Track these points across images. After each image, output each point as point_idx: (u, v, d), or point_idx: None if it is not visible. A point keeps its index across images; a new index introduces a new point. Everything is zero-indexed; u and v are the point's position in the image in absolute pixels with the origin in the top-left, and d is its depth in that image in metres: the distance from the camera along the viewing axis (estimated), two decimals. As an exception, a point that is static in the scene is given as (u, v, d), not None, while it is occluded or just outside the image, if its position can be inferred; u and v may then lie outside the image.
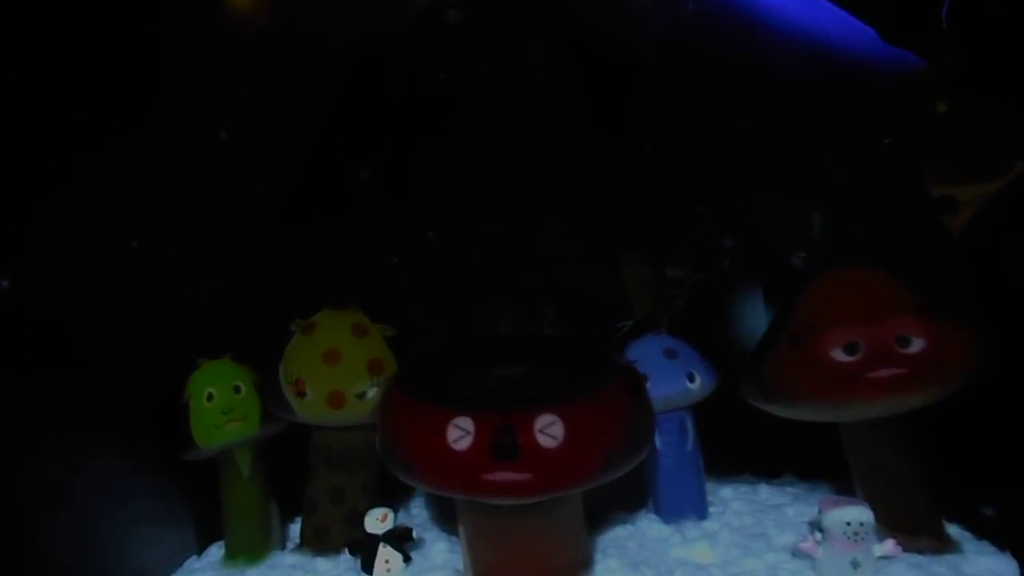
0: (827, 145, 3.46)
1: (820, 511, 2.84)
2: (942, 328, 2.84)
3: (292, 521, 3.56)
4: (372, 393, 3.16)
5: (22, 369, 3.11)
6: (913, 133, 3.34)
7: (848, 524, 2.72)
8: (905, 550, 2.80)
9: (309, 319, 3.34)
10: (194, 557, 3.41)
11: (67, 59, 3.24)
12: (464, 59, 3.99)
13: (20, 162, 3.14)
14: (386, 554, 3.08)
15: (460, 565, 3.05)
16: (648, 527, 3.33)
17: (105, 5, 3.27)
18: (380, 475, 3.27)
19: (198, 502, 3.42)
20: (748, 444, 3.73)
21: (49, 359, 3.22)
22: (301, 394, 3.17)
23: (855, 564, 2.72)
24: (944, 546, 2.95)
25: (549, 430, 2.58)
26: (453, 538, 3.27)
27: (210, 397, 3.26)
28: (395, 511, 3.19)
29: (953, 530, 3.05)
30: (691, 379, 3.31)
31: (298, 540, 3.43)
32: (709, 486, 3.51)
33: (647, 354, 3.30)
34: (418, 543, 3.29)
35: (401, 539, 3.13)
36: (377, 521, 3.09)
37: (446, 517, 3.46)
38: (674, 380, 3.29)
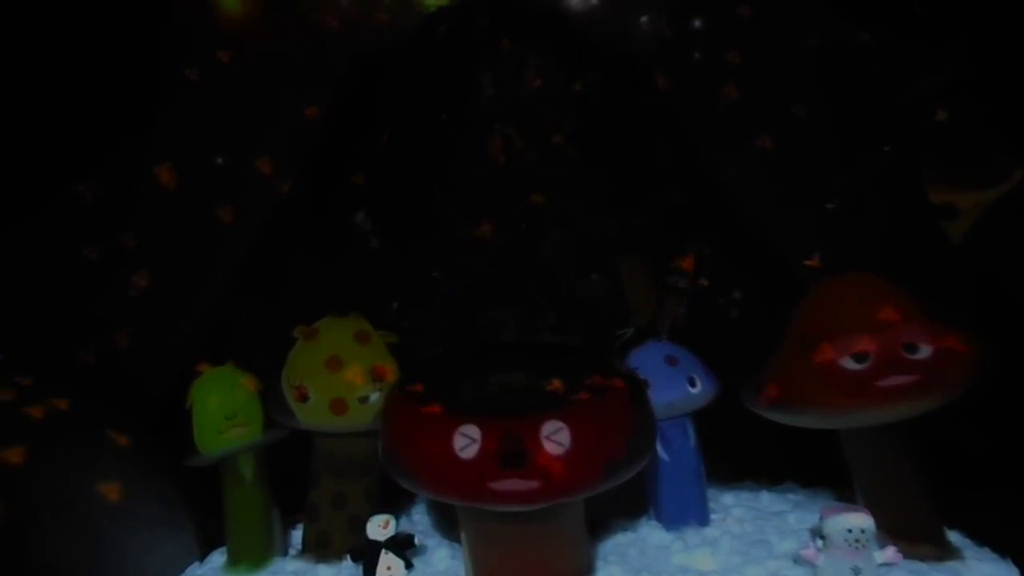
0: (829, 152, 3.47)
1: (821, 518, 2.85)
2: (946, 334, 2.85)
3: (294, 527, 3.56)
4: (374, 397, 3.17)
5: (27, 376, 3.12)
6: (914, 141, 3.35)
7: (849, 531, 2.73)
8: (906, 557, 2.81)
9: (311, 326, 3.35)
10: (196, 563, 3.40)
11: (74, 63, 3.27)
12: (466, 64, 4.00)
13: (22, 172, 3.16)
14: (388, 560, 3.08)
15: (462, 571, 3.05)
16: (649, 534, 3.34)
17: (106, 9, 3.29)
18: (382, 481, 3.27)
19: (200, 508, 3.43)
20: (749, 451, 3.73)
21: (52, 365, 3.24)
22: (303, 398, 3.18)
23: (856, 571, 2.72)
24: (945, 553, 2.95)
25: (556, 437, 2.59)
26: (455, 544, 3.28)
27: (213, 403, 3.26)
28: (397, 517, 3.20)
29: (954, 537, 3.06)
30: (692, 385, 3.31)
31: (300, 546, 3.44)
32: (710, 493, 3.52)
33: (648, 361, 3.31)
34: (420, 549, 3.29)
35: (403, 545, 3.13)
36: (379, 527, 3.10)
37: (448, 523, 3.46)
38: (675, 387, 3.29)
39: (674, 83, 3.60)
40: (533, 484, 2.57)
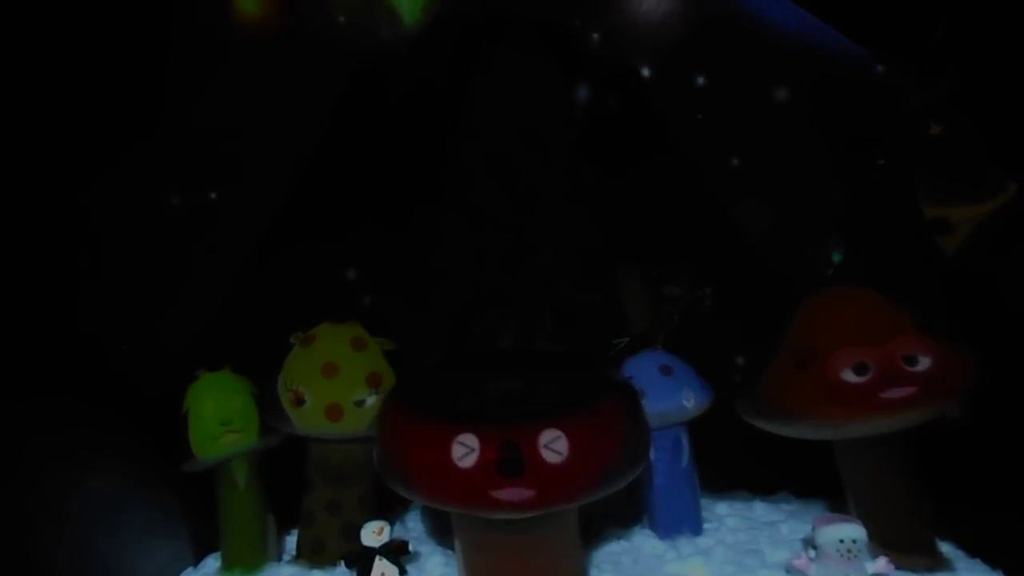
0: (824, 165, 3.49)
1: (814, 528, 2.86)
2: (944, 346, 2.88)
3: (289, 533, 3.56)
4: (371, 401, 3.18)
5: (22, 381, 3.12)
6: (909, 155, 3.38)
7: (841, 541, 2.74)
8: (898, 567, 2.82)
9: (308, 332, 3.36)
10: (190, 568, 3.41)
11: (77, 66, 3.28)
12: (465, 74, 4.02)
13: (18, 174, 3.17)
14: (382, 567, 3.08)
15: (456, 579, 3.06)
16: (643, 543, 3.35)
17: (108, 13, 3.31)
18: (377, 488, 3.28)
19: (195, 513, 3.43)
20: (743, 461, 3.74)
21: (49, 370, 3.24)
22: (299, 402, 3.18)
23: (848, 581, 2.73)
24: (936, 564, 2.97)
25: (553, 445, 2.60)
26: (449, 552, 3.28)
27: (208, 409, 3.27)
28: (391, 524, 3.21)
29: (946, 548, 3.07)
30: (687, 396, 3.33)
31: (294, 552, 3.44)
32: (704, 502, 3.53)
33: (643, 370, 3.32)
34: (414, 556, 3.29)
35: (397, 552, 3.14)
36: (373, 534, 3.10)
37: (442, 530, 3.46)
38: (670, 396, 3.31)
39: (671, 96, 3.62)
40: (531, 492, 2.58)
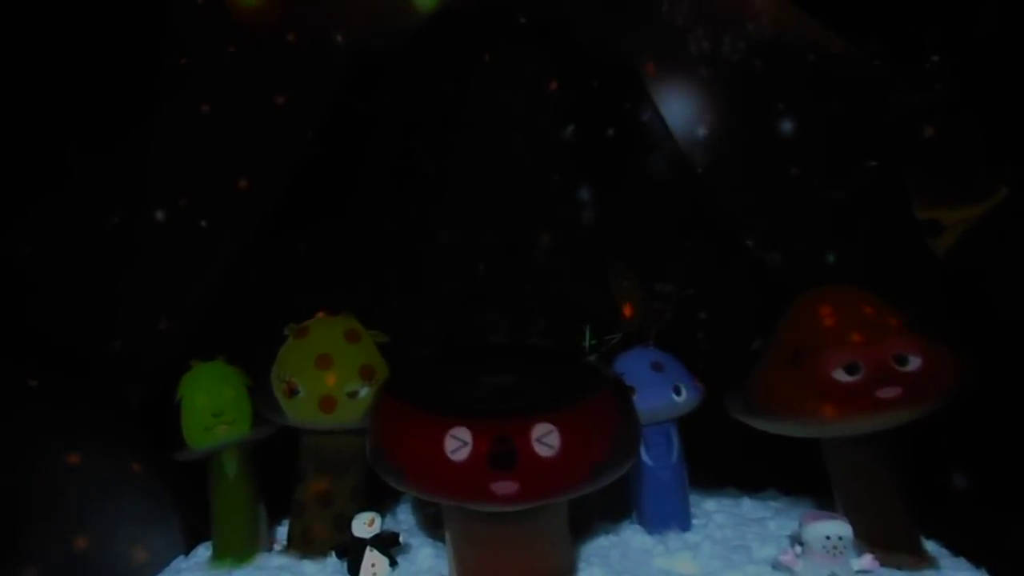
0: (818, 165, 3.51)
1: (800, 525, 2.89)
2: (934, 346, 2.91)
3: (280, 523, 3.58)
4: (364, 393, 3.19)
5: (12, 368, 3.13)
6: (901, 156, 3.40)
7: (828, 538, 2.77)
8: (883, 565, 2.86)
9: (302, 324, 3.37)
10: (181, 557, 3.42)
11: (69, 63, 3.28)
12: (461, 71, 4.03)
13: (11, 165, 3.17)
14: (372, 558, 3.10)
15: (446, 570, 3.08)
16: (632, 537, 3.37)
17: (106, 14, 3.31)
18: (368, 479, 3.30)
19: (187, 502, 3.44)
20: (732, 458, 3.77)
21: (40, 358, 3.25)
22: (293, 393, 3.19)
23: (834, 577, 2.76)
24: (921, 562, 2.99)
25: (546, 439, 2.62)
26: (439, 543, 3.30)
27: (200, 400, 3.28)
28: (382, 516, 3.22)
29: (931, 546, 3.10)
30: (677, 392, 3.35)
31: (285, 542, 3.45)
32: (693, 498, 3.56)
33: (634, 367, 3.34)
34: (404, 548, 3.31)
35: (388, 543, 3.15)
36: (364, 525, 3.11)
37: (432, 522, 3.49)
38: (660, 393, 3.33)
39: (665, 93, 3.64)
40: (523, 485, 2.60)
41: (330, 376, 3.20)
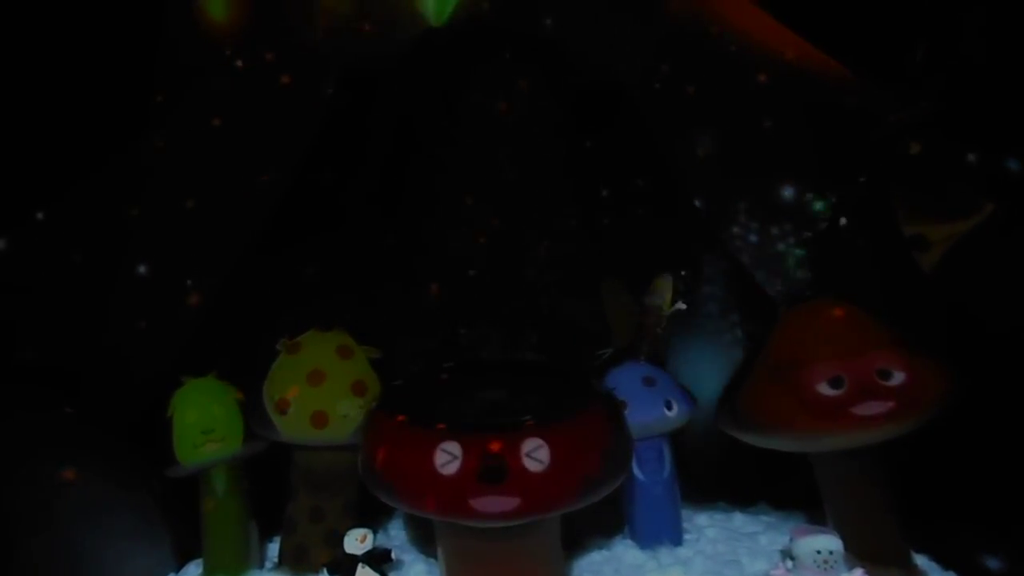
0: (806, 181, 3.55)
1: (791, 539, 2.89)
2: (918, 361, 2.93)
3: (271, 540, 3.56)
4: (356, 409, 3.19)
5: (2, 384, 3.12)
6: (888, 172, 3.43)
7: (818, 552, 2.77)
8: (873, 579, 2.87)
9: (295, 339, 3.37)
10: (172, 574, 3.40)
11: (71, 64, 3.29)
12: (454, 86, 4.06)
13: (4, 180, 3.17)
14: (365, 575, 3.09)
15: (438, 587, 3.08)
16: (624, 552, 3.37)
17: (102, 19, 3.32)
18: (360, 496, 3.29)
19: (177, 519, 3.42)
20: (724, 472, 3.78)
21: (30, 374, 3.24)
22: (284, 409, 3.19)
23: (825, 591, 2.77)
24: (912, 575, 3.00)
25: (535, 454, 2.63)
26: (431, 560, 3.30)
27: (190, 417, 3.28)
28: (374, 532, 3.20)
29: (921, 560, 3.12)
30: (669, 407, 3.36)
31: (277, 559, 3.44)
32: (684, 513, 3.57)
33: (626, 381, 3.35)
34: (397, 564, 3.30)
35: (380, 560, 3.14)
36: (356, 542, 3.10)
37: (425, 539, 3.47)
38: (652, 407, 3.34)
39: (657, 109, 3.67)
40: (513, 501, 2.60)
41: (322, 392, 3.20)
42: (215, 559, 3.33)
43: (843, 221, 3.33)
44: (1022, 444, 2.79)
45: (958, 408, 2.91)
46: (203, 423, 3.26)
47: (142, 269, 3.49)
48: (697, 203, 3.62)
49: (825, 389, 2.92)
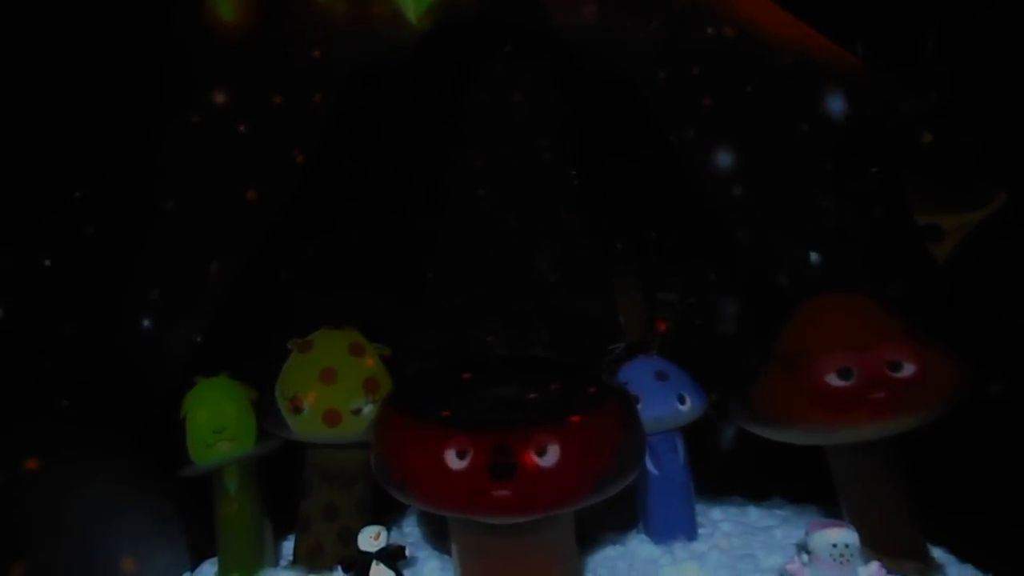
0: (817, 172, 3.53)
1: (807, 533, 2.88)
2: (930, 353, 2.91)
3: (286, 538, 3.57)
4: (368, 409, 3.20)
5: (17, 386, 3.13)
6: (900, 163, 3.41)
7: (834, 546, 2.76)
8: (890, 572, 2.84)
9: (306, 338, 3.38)
10: (187, 573, 3.41)
11: (74, 74, 3.30)
12: (461, 84, 4.05)
13: (16, 185, 3.19)
14: (379, 572, 3.09)
15: (452, 583, 3.08)
16: (638, 547, 3.37)
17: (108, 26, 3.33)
18: (373, 493, 3.30)
19: (192, 518, 3.43)
20: (738, 466, 3.77)
21: (44, 374, 3.25)
22: (297, 409, 3.20)
23: (841, 585, 2.76)
24: (928, 568, 3.00)
25: (547, 450, 2.62)
26: (446, 556, 3.30)
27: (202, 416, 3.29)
28: (388, 529, 3.21)
29: (937, 552, 3.11)
30: (682, 401, 3.35)
31: (291, 557, 3.45)
32: (699, 507, 3.56)
33: (638, 376, 3.35)
34: (411, 561, 3.31)
35: (394, 557, 3.15)
36: (370, 539, 3.11)
37: (439, 535, 3.48)
38: (665, 402, 3.33)
39: (665, 105, 3.65)
40: (523, 496, 2.60)
41: (334, 390, 3.20)
42: (230, 558, 3.34)
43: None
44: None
45: (973, 399, 2.89)
46: (214, 422, 3.27)
47: (155, 270, 3.50)
48: (710, 197, 3.59)
49: (834, 380, 2.91)
